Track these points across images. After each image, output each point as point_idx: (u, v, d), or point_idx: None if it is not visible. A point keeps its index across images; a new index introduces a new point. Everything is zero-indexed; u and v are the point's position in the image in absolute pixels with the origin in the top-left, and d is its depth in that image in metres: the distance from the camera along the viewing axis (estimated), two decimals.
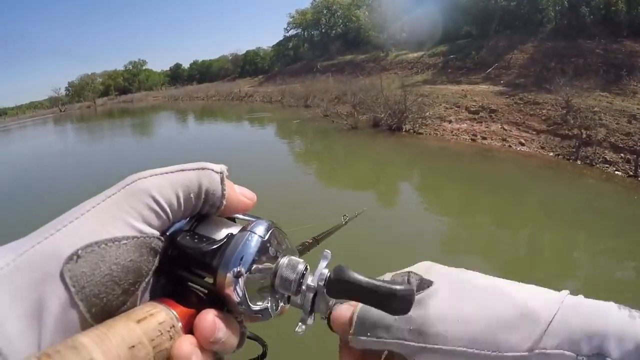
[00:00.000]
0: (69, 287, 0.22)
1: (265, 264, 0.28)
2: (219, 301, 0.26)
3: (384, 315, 0.30)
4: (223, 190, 0.29)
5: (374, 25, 26.62)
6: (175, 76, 54.60)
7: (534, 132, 8.72)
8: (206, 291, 0.27)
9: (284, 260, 0.30)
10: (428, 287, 0.31)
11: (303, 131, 12.82)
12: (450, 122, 9.13)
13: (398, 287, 0.27)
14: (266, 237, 0.28)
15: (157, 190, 0.26)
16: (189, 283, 0.28)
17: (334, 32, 31.67)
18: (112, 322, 0.22)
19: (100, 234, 0.23)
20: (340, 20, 30.45)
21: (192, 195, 0.27)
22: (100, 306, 0.23)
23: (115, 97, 48.44)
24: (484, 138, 8.45)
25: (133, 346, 0.21)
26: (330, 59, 28.35)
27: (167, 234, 0.27)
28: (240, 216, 0.31)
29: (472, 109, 9.62)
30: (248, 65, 42.80)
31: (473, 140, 8.58)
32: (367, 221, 4.19)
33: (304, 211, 5.13)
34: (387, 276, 0.35)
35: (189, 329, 0.25)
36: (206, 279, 0.27)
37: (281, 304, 0.31)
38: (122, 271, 0.23)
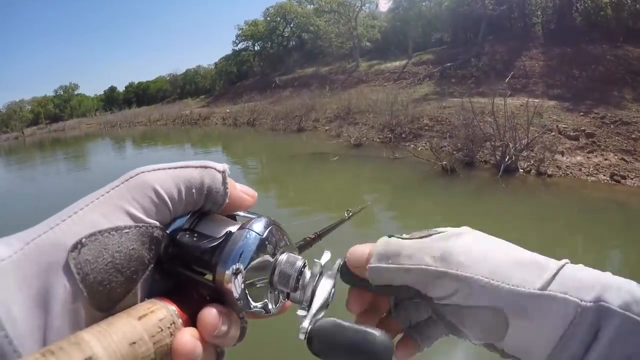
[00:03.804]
0: (73, 275, 0.22)
1: (264, 260, 0.28)
2: (219, 298, 0.27)
3: (406, 245, 0.31)
4: (225, 188, 0.29)
5: (338, 34, 24.18)
6: (110, 100, 48.25)
7: None
8: (206, 288, 0.27)
9: (282, 257, 0.29)
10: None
11: (379, 183, 7.12)
12: (562, 153, 6.56)
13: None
14: (264, 235, 0.28)
15: (159, 184, 0.26)
16: (189, 280, 0.28)
17: (291, 43, 28.73)
18: (114, 319, 0.22)
19: (103, 224, 0.24)
20: (299, 30, 27.55)
21: (194, 190, 0.28)
22: (104, 293, 0.23)
23: (46, 125, 41.62)
24: (624, 177, 5.97)
25: (134, 342, 0.21)
26: (288, 73, 25.23)
27: (168, 231, 0.27)
28: (242, 213, 0.31)
29: (568, 134, 7.20)
30: (188, 85, 38.27)
31: (616, 181, 5.85)
32: None
33: None
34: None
35: (189, 325, 0.25)
36: (206, 277, 0.27)
37: (281, 300, 0.31)
38: (124, 259, 0.24)
